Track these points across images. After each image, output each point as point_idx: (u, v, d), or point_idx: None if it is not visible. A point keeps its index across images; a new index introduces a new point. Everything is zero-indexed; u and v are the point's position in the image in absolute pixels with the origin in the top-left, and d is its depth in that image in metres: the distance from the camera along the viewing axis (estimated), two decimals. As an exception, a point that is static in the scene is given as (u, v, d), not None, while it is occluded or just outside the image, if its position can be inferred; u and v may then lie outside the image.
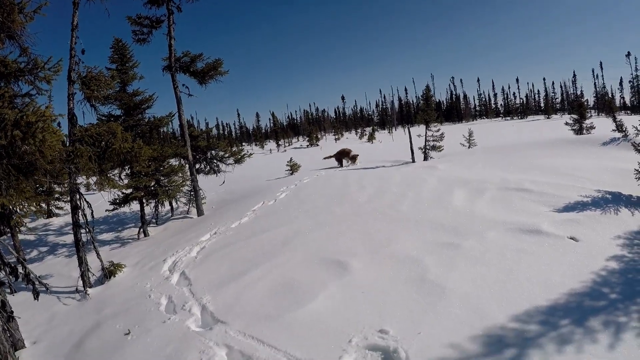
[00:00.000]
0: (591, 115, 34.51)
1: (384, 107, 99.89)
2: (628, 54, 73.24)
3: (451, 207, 10.63)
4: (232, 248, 10.23)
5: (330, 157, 25.08)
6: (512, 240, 8.19)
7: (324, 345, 5.66)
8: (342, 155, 24.19)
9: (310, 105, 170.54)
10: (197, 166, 17.35)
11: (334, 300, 6.80)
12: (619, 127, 19.66)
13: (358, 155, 24.43)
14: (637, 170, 10.49)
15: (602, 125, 28.40)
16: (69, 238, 15.08)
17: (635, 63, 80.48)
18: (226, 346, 6.06)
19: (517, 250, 7.77)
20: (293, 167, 23.85)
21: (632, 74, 74.76)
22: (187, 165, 16.16)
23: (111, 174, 11.64)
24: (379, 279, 7.35)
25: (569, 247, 7.71)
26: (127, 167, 13.12)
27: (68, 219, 18.52)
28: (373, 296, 6.78)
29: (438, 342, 5.37)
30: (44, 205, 19.16)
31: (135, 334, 6.91)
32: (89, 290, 9.48)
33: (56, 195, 19.91)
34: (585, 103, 36.81)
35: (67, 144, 9.36)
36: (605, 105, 59.83)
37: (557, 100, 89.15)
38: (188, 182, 15.91)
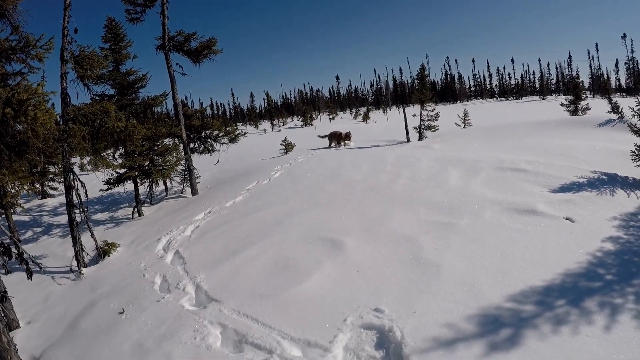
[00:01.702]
0: (586, 97, 34.48)
1: (379, 87, 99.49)
2: (624, 36, 72.94)
3: (446, 187, 10.61)
4: (226, 227, 10.20)
5: (325, 136, 24.82)
6: (508, 220, 8.18)
7: (319, 324, 5.65)
8: (333, 138, 23.62)
9: (304, 85, 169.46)
10: (191, 145, 17.20)
11: (329, 279, 6.80)
12: (615, 109, 19.57)
13: (349, 132, 23.85)
14: (633, 152, 10.45)
15: (597, 106, 28.32)
16: (63, 218, 14.99)
17: (631, 44, 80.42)
18: (220, 325, 6.04)
19: (512, 230, 7.76)
20: (287, 147, 23.72)
21: (627, 56, 74.92)
22: (181, 145, 16.02)
23: (105, 154, 11.54)
24: (374, 257, 7.34)
25: (565, 228, 7.70)
26: (121, 147, 12.98)
27: (62, 199, 18.39)
28: (368, 275, 6.77)
29: (433, 321, 5.37)
30: (37, 185, 19.00)
31: (130, 313, 6.89)
32: (83, 270, 9.43)
33: (50, 176, 19.75)
34: (581, 84, 36.63)
35: (61, 124, 9.21)
36: (601, 86, 59.84)
37: (553, 81, 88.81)
38: (182, 162, 15.79)
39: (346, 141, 23.24)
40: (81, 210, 9.80)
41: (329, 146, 23.33)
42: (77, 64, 9.75)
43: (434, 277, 6.45)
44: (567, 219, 8.07)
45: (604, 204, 8.66)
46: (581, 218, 8.05)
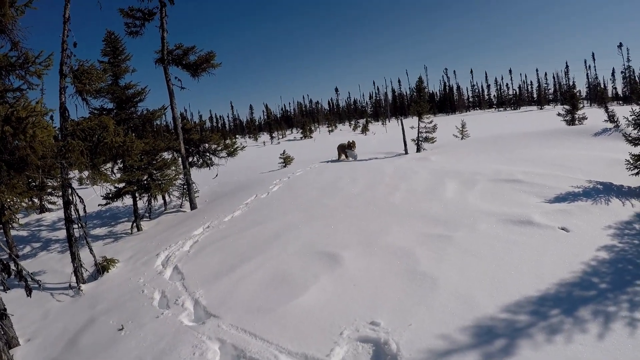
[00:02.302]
0: (583, 106, 34.68)
1: (378, 98, 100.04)
2: (620, 45, 73.48)
3: (443, 199, 10.69)
4: (224, 242, 10.24)
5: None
6: (503, 232, 8.24)
7: (316, 337, 5.69)
8: (341, 150, 23.47)
9: (303, 97, 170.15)
10: (190, 159, 17.28)
11: (326, 293, 6.84)
12: (611, 118, 19.81)
13: (354, 141, 23.65)
14: (628, 161, 10.54)
15: (594, 115, 28.55)
16: (62, 233, 15.02)
17: (627, 53, 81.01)
18: (219, 340, 6.07)
19: (507, 241, 7.83)
20: (286, 160, 23.81)
21: (624, 65, 75.17)
22: (179, 159, 16.10)
23: (103, 168, 11.59)
24: (370, 271, 7.39)
25: (560, 238, 7.78)
26: (119, 161, 13.06)
27: (61, 214, 18.36)
28: (364, 288, 6.82)
29: (429, 333, 5.42)
30: (36, 200, 19.05)
31: (129, 330, 6.91)
32: (82, 286, 9.45)
33: (49, 190, 19.75)
34: (578, 94, 36.85)
35: (59, 138, 9.28)
36: (598, 95, 60.04)
37: (550, 91, 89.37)
38: (181, 176, 15.83)
39: (352, 149, 22.98)
40: (80, 225, 9.83)
41: (339, 159, 23.23)
42: (76, 78, 9.83)
43: (430, 289, 6.50)
44: (563, 228, 8.14)
45: (599, 213, 8.73)
46: (576, 228, 8.12)
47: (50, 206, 20.55)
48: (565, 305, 5.74)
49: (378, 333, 5.58)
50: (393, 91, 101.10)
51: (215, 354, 5.82)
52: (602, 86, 79.84)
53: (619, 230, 7.96)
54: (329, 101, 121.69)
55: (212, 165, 17.77)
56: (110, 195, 13.99)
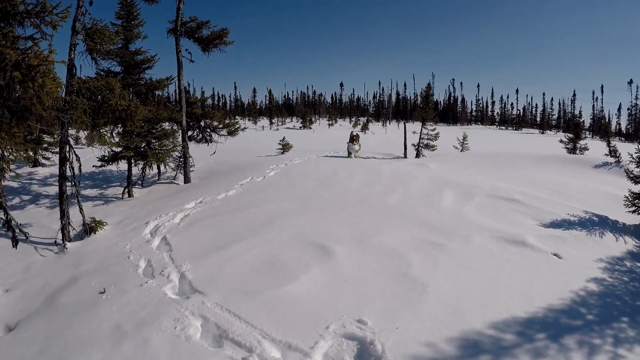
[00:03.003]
0: (586, 137, 34.78)
1: (381, 99, 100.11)
2: (630, 82, 73.90)
3: (439, 207, 10.67)
4: (217, 219, 10.17)
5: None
6: (497, 248, 8.23)
7: (301, 327, 5.65)
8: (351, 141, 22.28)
9: (307, 88, 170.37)
10: (190, 133, 17.15)
11: (316, 284, 6.79)
12: (613, 152, 19.86)
13: (357, 135, 22.71)
14: (627, 198, 10.57)
15: (595, 147, 28.65)
16: (53, 189, 14.89)
17: (637, 91, 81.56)
18: (202, 317, 6.01)
19: (501, 258, 7.81)
20: (285, 147, 23.75)
21: (631, 102, 75.81)
22: (179, 131, 16.00)
23: (103, 130, 11.48)
24: (361, 268, 7.35)
25: (552, 263, 7.76)
26: (120, 126, 12.94)
27: (53, 170, 18.28)
28: (354, 285, 6.78)
29: (415, 339, 5.38)
30: (31, 153, 18.86)
31: (111, 294, 6.83)
32: (68, 244, 9.35)
33: (44, 145, 19.64)
34: (582, 124, 37.03)
35: (64, 94, 9.16)
36: (601, 128, 60.42)
37: (554, 116, 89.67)
38: (179, 148, 15.76)
39: (354, 144, 21.95)
40: (73, 183, 9.73)
41: (348, 155, 22.04)
42: (88, 36, 9.71)
43: (420, 295, 6.46)
44: (555, 254, 8.13)
45: (593, 244, 8.73)
46: (569, 255, 8.11)
47: (43, 161, 20.38)
48: (552, 330, 5.73)
49: (364, 332, 5.54)
50: (397, 94, 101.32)
51: (197, 330, 5.75)
52: (607, 120, 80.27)
53: (610, 265, 7.97)
54: (332, 95, 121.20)
55: (211, 142, 17.68)
56: (106, 158, 13.88)
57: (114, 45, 11.60)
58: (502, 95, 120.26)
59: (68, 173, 9.68)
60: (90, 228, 9.98)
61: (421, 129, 22.52)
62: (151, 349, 5.35)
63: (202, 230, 9.52)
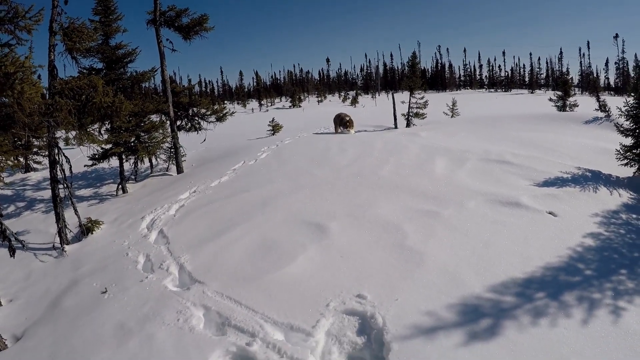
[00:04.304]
0: (575, 93, 34.69)
1: (369, 71, 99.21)
2: (616, 36, 73.39)
3: (432, 175, 10.65)
4: (211, 207, 10.16)
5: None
6: (491, 212, 8.25)
7: (302, 308, 5.69)
8: (339, 122, 21.35)
9: (294, 66, 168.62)
10: (178, 123, 17.04)
11: (313, 263, 6.83)
12: (602, 107, 19.81)
13: (351, 120, 21.22)
14: (618, 151, 10.60)
15: (585, 103, 28.57)
16: (47, 193, 14.80)
17: (622, 45, 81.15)
18: (203, 307, 6.05)
19: (495, 221, 7.84)
20: (275, 128, 23.66)
21: (618, 56, 75.15)
22: (168, 122, 15.87)
23: (91, 129, 11.37)
24: (358, 243, 7.38)
25: (548, 222, 7.80)
26: (107, 122, 12.82)
27: (46, 173, 18.14)
28: (352, 260, 6.81)
29: (415, 309, 5.43)
30: (21, 159, 18.72)
31: (112, 293, 6.86)
32: (66, 247, 9.34)
33: (34, 150, 19.44)
34: (570, 81, 36.88)
35: (47, 97, 9.05)
36: (590, 84, 60.30)
37: (542, 75, 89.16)
38: (168, 139, 15.66)
39: (349, 129, 20.70)
40: (65, 185, 9.69)
41: (336, 131, 21.34)
42: (66, 36, 9.58)
43: (417, 264, 6.50)
44: (550, 213, 8.16)
45: (587, 200, 8.77)
46: (564, 213, 8.14)
47: (35, 166, 20.26)
48: (551, 289, 5.78)
49: (364, 306, 5.59)
50: (385, 65, 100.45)
51: (199, 320, 5.80)
52: (595, 75, 79.91)
53: (605, 219, 8.01)
54: (319, 71, 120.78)
55: (200, 130, 17.60)
56: (97, 156, 13.79)
57: (93, 42, 11.46)
58: (489, 58, 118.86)
59: (59, 175, 9.61)
60: (87, 229, 9.96)
61: (409, 98, 22.42)
62: (156, 343, 5.39)
63: (198, 219, 9.51)
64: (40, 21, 8.46)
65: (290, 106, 59.94)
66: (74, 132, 10.08)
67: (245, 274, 6.75)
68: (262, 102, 69.28)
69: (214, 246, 7.89)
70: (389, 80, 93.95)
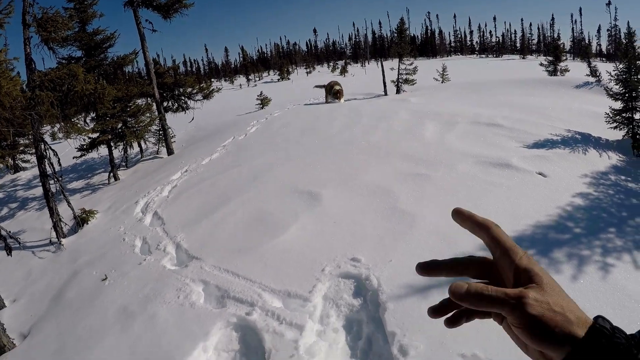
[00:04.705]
0: (566, 59, 34.40)
1: (357, 40, 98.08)
2: (608, 3, 72.69)
3: (422, 139, 10.71)
4: (203, 185, 10.20)
5: (322, 86, 22.70)
6: (482, 173, 8.34)
7: (298, 275, 5.80)
8: (328, 89, 21.60)
9: (281, 39, 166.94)
10: (165, 104, 16.93)
11: (306, 231, 6.93)
12: (593, 72, 19.86)
13: (337, 85, 21.61)
14: (608, 115, 10.71)
15: (576, 69, 28.45)
16: (39, 191, 14.67)
17: (615, 12, 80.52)
18: (202, 282, 6.15)
19: (486, 182, 7.94)
20: (263, 101, 23.54)
21: (610, 23, 74.50)
22: (154, 104, 15.76)
23: (76, 119, 11.29)
24: (350, 208, 7.48)
25: (537, 182, 7.91)
26: (91, 111, 12.73)
27: (36, 171, 17.88)
28: (345, 226, 6.91)
29: (408, 269, 5.52)
30: (9, 159, 18.53)
31: (112, 279, 6.94)
32: (63, 241, 9.37)
33: (21, 148, 19.20)
34: (562, 46, 36.68)
35: (27, 91, 8.96)
36: (581, 50, 59.91)
37: (534, 41, 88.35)
38: (156, 122, 15.53)
39: (338, 99, 20.92)
40: (55, 179, 9.66)
41: (326, 101, 21.60)
42: (40, 27, 9.45)
43: (409, 226, 6.61)
44: (540, 173, 8.26)
45: (576, 161, 8.88)
46: (553, 174, 8.25)
47: (24, 165, 19.95)
48: (541, 246, 5.91)
49: (359, 269, 5.70)
50: (373, 33, 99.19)
51: (199, 295, 5.90)
52: (587, 42, 79.35)
53: (594, 180, 8.12)
54: (307, 42, 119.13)
55: (187, 109, 17.51)
56: (85, 147, 13.71)
57: (69, 30, 11.31)
58: (479, 24, 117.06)
59: (49, 170, 9.57)
60: (82, 220, 9.98)
61: (399, 65, 22.32)
62: (159, 322, 5.49)
63: (191, 198, 9.56)
64: (11, 14, 8.34)
65: (278, 79, 59.35)
66: (58, 125, 10.00)
67: (241, 246, 6.83)
68: (250, 77, 68.59)
69: (208, 222, 7.96)
70: (378, 49, 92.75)
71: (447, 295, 0.62)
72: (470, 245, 5.97)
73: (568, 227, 6.43)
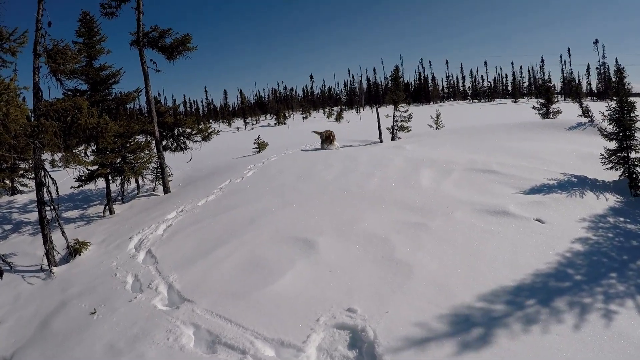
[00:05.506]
0: (558, 100, 34.91)
1: (353, 87, 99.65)
2: (596, 42, 74.56)
3: (418, 187, 10.69)
4: (198, 226, 10.10)
5: (319, 133, 22.83)
6: (479, 221, 8.29)
7: (292, 323, 5.66)
8: (324, 138, 21.71)
9: (278, 84, 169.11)
10: (164, 143, 16.96)
11: (302, 279, 6.80)
12: (585, 112, 20.08)
13: (331, 133, 21.88)
14: (603, 155, 10.70)
15: (568, 110, 28.89)
16: (34, 215, 14.59)
17: (603, 50, 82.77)
18: (193, 325, 5.99)
19: (483, 230, 7.88)
20: (260, 145, 23.67)
21: (599, 61, 76.24)
22: (153, 142, 15.80)
23: (77, 150, 11.33)
24: (346, 257, 7.37)
25: (535, 229, 7.86)
26: (92, 144, 12.76)
27: (33, 196, 17.88)
28: (341, 275, 6.80)
29: (405, 321, 5.42)
30: (7, 182, 18.49)
31: (101, 314, 6.77)
32: (54, 269, 9.22)
33: (20, 172, 19.26)
34: (553, 88, 37.35)
35: (32, 119, 9.02)
36: (572, 90, 61.03)
37: (525, 84, 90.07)
38: (154, 159, 15.56)
39: (333, 143, 21.19)
40: (52, 207, 9.61)
41: (322, 147, 21.61)
42: (50, 58, 9.58)
43: (406, 277, 6.51)
44: (538, 220, 8.23)
45: (574, 205, 8.86)
46: (551, 219, 8.22)
47: (22, 188, 20.01)
48: (541, 295, 5.81)
49: (355, 320, 5.57)
50: (368, 80, 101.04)
51: (189, 339, 5.74)
52: (577, 81, 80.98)
53: (593, 223, 8.09)
54: (303, 88, 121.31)
55: (186, 149, 17.52)
56: (83, 178, 13.68)
57: (77, 63, 11.42)
58: (471, 69, 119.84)
59: (46, 197, 9.55)
60: (74, 250, 9.85)
61: (394, 112, 22.57)
62: (146, 363, 5.31)
63: (186, 238, 9.45)
64: (25, 43, 8.47)
65: (275, 124, 59.91)
66: (59, 154, 10.03)
67: (235, 291, 6.70)
68: (247, 121, 69.27)
69: (202, 264, 7.84)
70: (372, 95, 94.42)
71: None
72: (469, 295, 5.89)
73: (568, 274, 6.35)
